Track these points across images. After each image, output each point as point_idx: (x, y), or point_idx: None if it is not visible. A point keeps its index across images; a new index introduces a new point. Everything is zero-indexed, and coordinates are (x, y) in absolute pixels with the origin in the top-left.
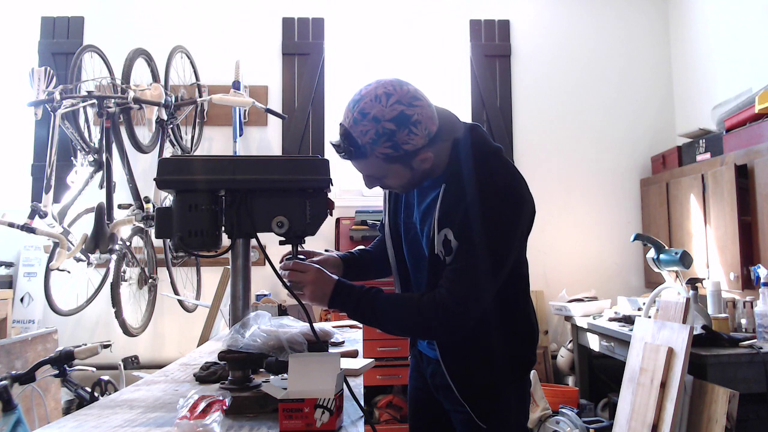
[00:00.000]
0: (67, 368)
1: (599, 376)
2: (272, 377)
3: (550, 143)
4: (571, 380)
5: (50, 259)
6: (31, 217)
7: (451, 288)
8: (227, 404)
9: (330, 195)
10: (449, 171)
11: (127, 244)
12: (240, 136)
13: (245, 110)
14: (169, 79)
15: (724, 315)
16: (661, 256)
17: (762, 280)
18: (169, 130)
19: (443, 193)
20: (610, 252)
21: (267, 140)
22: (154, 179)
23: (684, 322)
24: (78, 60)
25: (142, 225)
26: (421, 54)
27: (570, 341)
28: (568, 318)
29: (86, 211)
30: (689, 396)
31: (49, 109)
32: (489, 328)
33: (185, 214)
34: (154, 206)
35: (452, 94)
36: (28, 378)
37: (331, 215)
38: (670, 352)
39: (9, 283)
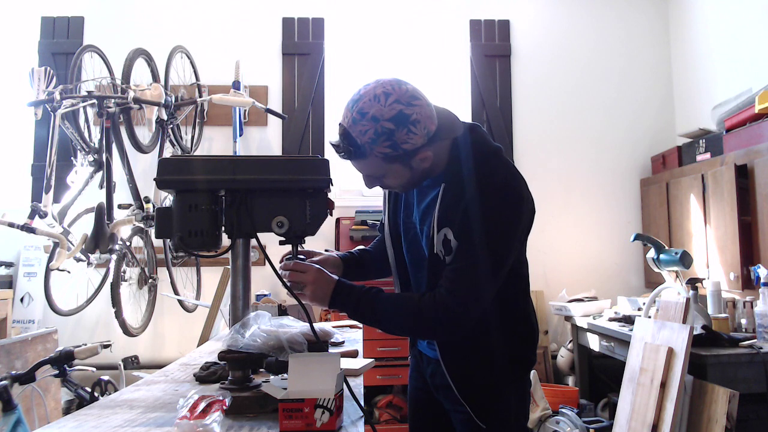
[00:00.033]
0: (67, 368)
1: (599, 376)
2: (272, 377)
3: (550, 143)
4: (571, 380)
5: (50, 259)
6: (31, 217)
7: (451, 288)
8: (227, 404)
9: (330, 195)
10: (449, 170)
11: (127, 244)
12: (240, 136)
13: (245, 110)
14: (169, 79)
15: (724, 315)
16: (661, 256)
17: (762, 280)
18: (169, 130)
19: (443, 192)
20: (610, 252)
21: (267, 140)
22: (154, 179)
23: (684, 322)
24: (78, 60)
25: (142, 225)
26: (421, 54)
27: (570, 341)
28: (568, 318)
29: (86, 211)
30: (689, 396)
31: (49, 109)
32: (489, 328)
33: (185, 214)
34: (154, 206)
35: (452, 94)
36: (28, 378)
37: (331, 215)
38: (670, 352)
39: (9, 283)
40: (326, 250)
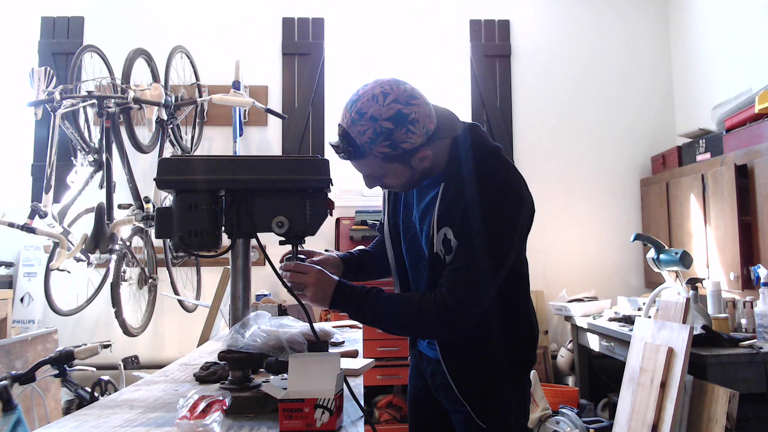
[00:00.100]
0: (67, 368)
1: (599, 376)
2: (272, 377)
3: (550, 143)
4: (571, 380)
5: (50, 259)
6: (31, 217)
7: (451, 287)
8: (227, 404)
9: (330, 195)
10: (448, 170)
11: (127, 244)
12: (240, 136)
13: (245, 110)
14: (169, 79)
15: (724, 315)
16: (661, 256)
17: (762, 280)
18: (169, 130)
19: (442, 191)
20: (610, 252)
21: (267, 140)
22: (154, 179)
23: (684, 322)
24: (78, 60)
25: (142, 225)
26: (421, 54)
27: (570, 341)
28: (568, 318)
29: (86, 211)
30: (689, 396)
31: (49, 109)
32: (489, 328)
33: (185, 214)
34: (154, 206)
35: (452, 94)
36: (28, 378)
37: (331, 215)
38: (670, 352)
39: (9, 283)
40: (326, 250)
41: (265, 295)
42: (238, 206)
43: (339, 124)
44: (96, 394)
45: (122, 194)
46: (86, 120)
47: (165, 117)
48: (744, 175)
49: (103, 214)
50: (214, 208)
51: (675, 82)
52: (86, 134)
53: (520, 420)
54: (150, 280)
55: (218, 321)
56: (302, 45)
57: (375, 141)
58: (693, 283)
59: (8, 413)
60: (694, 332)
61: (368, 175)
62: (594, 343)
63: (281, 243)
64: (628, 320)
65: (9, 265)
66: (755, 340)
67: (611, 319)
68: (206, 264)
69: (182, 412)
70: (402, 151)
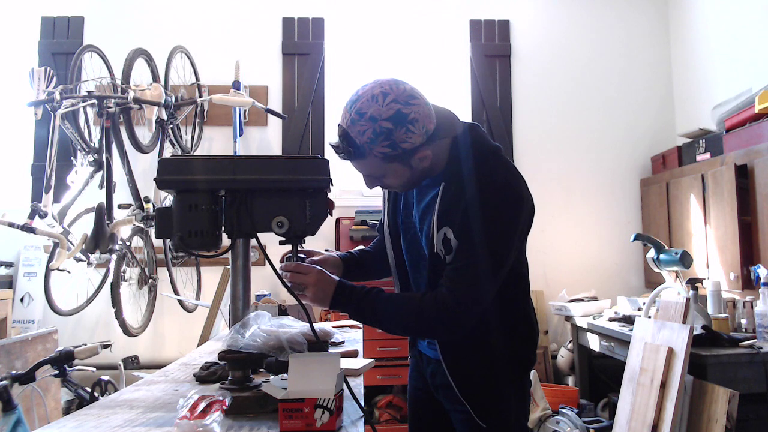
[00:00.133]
0: (67, 368)
1: (599, 376)
2: (272, 377)
3: (550, 143)
4: (571, 380)
5: (50, 259)
6: (31, 217)
7: (452, 287)
8: (227, 404)
9: (330, 195)
10: (448, 170)
11: (127, 244)
12: (240, 136)
13: (245, 110)
14: (169, 79)
15: (724, 315)
16: (661, 256)
17: (762, 280)
18: (169, 130)
19: (442, 191)
20: (610, 252)
21: (267, 140)
22: (154, 179)
23: (684, 322)
24: (78, 60)
25: (142, 225)
26: (421, 54)
27: (570, 341)
28: (568, 318)
29: (86, 211)
30: (689, 396)
31: (49, 109)
32: (489, 328)
33: (185, 214)
34: (154, 206)
35: (452, 94)
36: (28, 378)
37: (331, 215)
38: (670, 352)
39: (9, 283)
40: (326, 250)
41: (265, 295)
42: (238, 206)
43: (339, 125)
44: (96, 394)
45: (122, 194)
46: (86, 120)
47: (165, 117)
48: (744, 175)
49: (103, 214)
50: (214, 208)
51: (675, 82)
52: (86, 134)
53: (520, 420)
54: (150, 280)
55: (218, 321)
56: (302, 45)
57: (375, 141)
58: (693, 283)
59: (8, 413)
60: (694, 332)
61: (368, 175)
62: (594, 343)
63: (281, 243)
64: (628, 320)
65: (9, 265)
66: (755, 340)
67: (611, 319)
68: (206, 264)
69: (182, 412)
70: (402, 151)
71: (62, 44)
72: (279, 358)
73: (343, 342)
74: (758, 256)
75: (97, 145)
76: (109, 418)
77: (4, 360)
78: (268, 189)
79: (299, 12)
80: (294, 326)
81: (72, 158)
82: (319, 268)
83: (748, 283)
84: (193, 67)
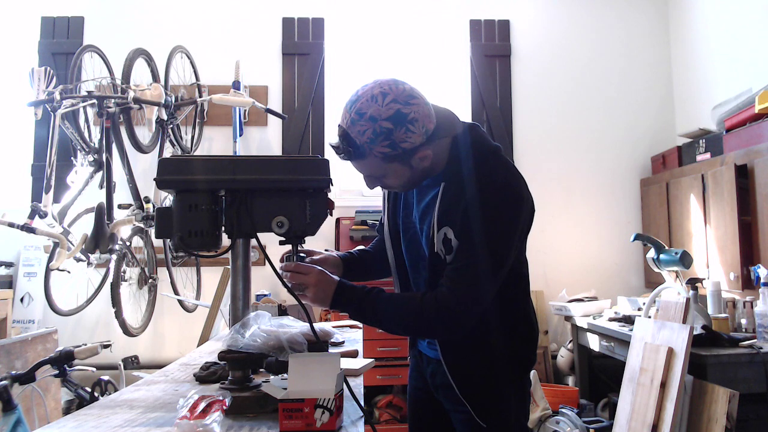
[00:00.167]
0: (67, 368)
1: (599, 376)
2: (272, 377)
3: (550, 143)
4: (571, 380)
5: (50, 259)
6: (31, 217)
7: (452, 287)
8: (227, 404)
9: (330, 195)
10: (448, 170)
11: (127, 244)
12: (240, 136)
13: (245, 110)
14: (169, 79)
15: (724, 315)
16: (661, 256)
17: (762, 280)
18: (169, 130)
19: (442, 191)
20: (610, 252)
21: (267, 140)
22: (154, 179)
23: (684, 322)
24: (78, 60)
25: (142, 225)
26: (421, 54)
27: (570, 341)
28: (568, 318)
29: (86, 211)
30: (689, 396)
31: (49, 109)
32: (489, 328)
33: (185, 214)
34: (154, 206)
35: (452, 94)
36: (28, 378)
37: (331, 215)
38: (670, 352)
39: (9, 283)
40: (326, 250)
41: (265, 295)
42: (238, 206)
43: (339, 125)
44: (96, 394)
45: (122, 194)
46: (86, 120)
47: (165, 117)
48: (744, 175)
49: (103, 214)
50: (214, 208)
51: (675, 82)
52: (86, 134)
53: (520, 419)
54: (150, 280)
55: (218, 321)
56: (302, 45)
57: (375, 141)
58: (693, 283)
59: (8, 413)
60: (694, 332)
61: (368, 175)
62: (594, 343)
63: (281, 243)
64: (628, 320)
65: (9, 265)
66: (755, 340)
67: (611, 319)
68: (206, 264)
69: (182, 412)
70: (402, 151)
71: (62, 44)
72: (279, 358)
73: (343, 342)
74: (758, 256)
75: (97, 145)
76: (109, 418)
77: (4, 360)
78: (268, 189)
79: (299, 12)
80: (294, 326)
81: (72, 158)
82: (320, 268)
83: (748, 283)
84: (193, 67)
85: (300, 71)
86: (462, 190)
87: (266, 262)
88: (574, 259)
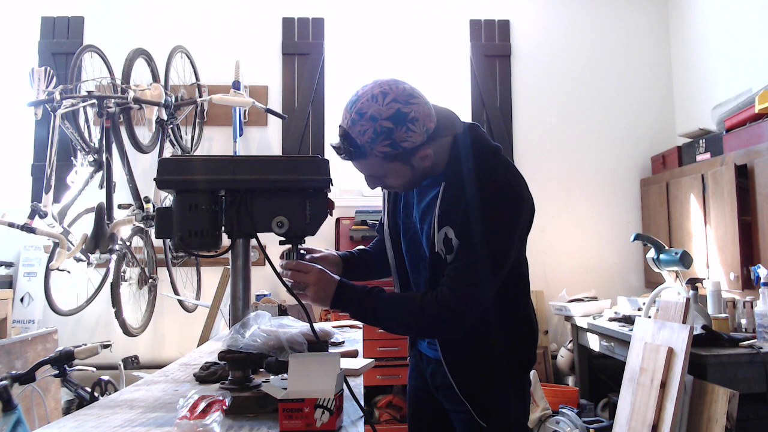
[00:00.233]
0: (67, 368)
1: (599, 376)
2: (272, 377)
3: (550, 143)
4: (571, 380)
5: (50, 259)
6: (31, 217)
7: (452, 286)
8: (227, 404)
9: (330, 195)
10: (449, 170)
11: (127, 244)
12: (240, 136)
13: (245, 110)
14: (169, 79)
15: (724, 315)
16: (661, 256)
17: (762, 280)
18: (169, 130)
19: (443, 191)
20: (610, 252)
21: (267, 140)
22: (154, 179)
23: (684, 322)
24: (78, 60)
25: (142, 225)
26: (421, 54)
27: (570, 341)
28: (568, 318)
29: (86, 211)
30: (689, 396)
31: (49, 109)
32: (489, 328)
33: (185, 214)
34: (154, 206)
35: (452, 94)
36: (28, 378)
37: (331, 215)
38: (670, 352)
39: (9, 283)
40: (326, 250)
41: (265, 295)
42: (238, 206)
43: (339, 125)
44: (96, 394)
45: (122, 194)
46: (86, 120)
47: (165, 117)
48: (744, 175)
49: (103, 214)
50: (214, 208)
51: (675, 82)
52: (86, 134)
53: (520, 419)
54: (150, 280)
55: (218, 321)
56: (302, 45)
57: (375, 141)
58: (693, 283)
59: (8, 413)
60: (694, 332)
61: (369, 175)
62: (594, 343)
63: (281, 243)
64: (628, 320)
65: (9, 265)
66: (755, 340)
67: (611, 319)
68: (206, 264)
69: (182, 412)
70: (402, 150)
71: (62, 44)
72: (279, 358)
73: (343, 342)
74: (758, 256)
75: (97, 145)
76: (109, 418)
77: (4, 360)
78: (268, 189)
79: (299, 12)
80: (294, 326)
81: (72, 158)
82: (320, 267)
83: (748, 283)
84: (193, 67)
85: (300, 71)
86: (462, 190)
87: (266, 262)
88: (574, 259)
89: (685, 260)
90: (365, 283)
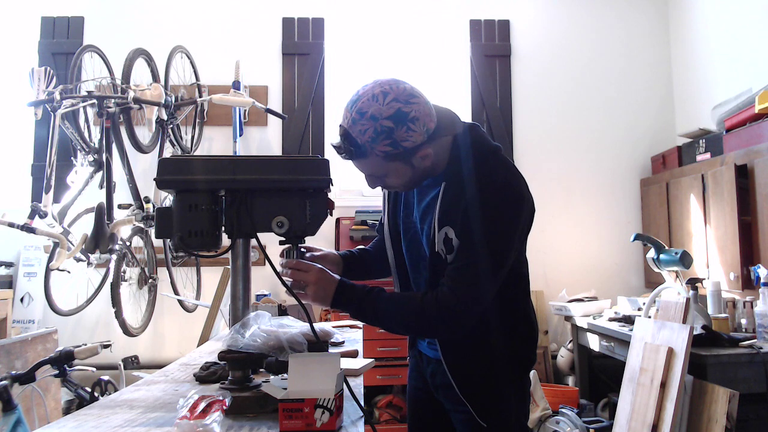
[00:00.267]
0: (67, 368)
1: (599, 376)
2: (272, 377)
3: (550, 143)
4: (571, 380)
5: (50, 259)
6: (31, 217)
7: (453, 286)
8: (227, 404)
9: (330, 195)
10: (449, 170)
11: (127, 244)
12: (240, 136)
13: (245, 110)
14: (169, 79)
15: (724, 315)
16: (661, 256)
17: (762, 280)
18: (169, 130)
19: (443, 191)
20: (610, 252)
21: (267, 140)
22: (154, 179)
23: (684, 322)
24: (78, 60)
25: (142, 225)
26: (421, 54)
27: (570, 341)
28: (568, 318)
29: (86, 211)
30: (689, 396)
31: (49, 109)
32: (489, 328)
33: (185, 214)
34: (154, 206)
35: (452, 94)
36: (28, 378)
37: (331, 215)
38: (670, 352)
39: (9, 283)
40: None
41: (265, 295)
42: (238, 206)
43: (340, 125)
44: (96, 394)
45: (122, 194)
46: (86, 120)
47: (165, 117)
48: (744, 175)
49: (103, 214)
50: (214, 208)
51: (675, 82)
52: (86, 134)
53: (520, 419)
54: (150, 280)
55: (218, 321)
56: (302, 45)
57: (376, 140)
58: (693, 283)
59: (8, 413)
60: (694, 332)
61: (370, 174)
62: (594, 343)
63: (281, 243)
64: (628, 320)
65: (9, 265)
66: (755, 340)
67: (611, 319)
68: (206, 264)
69: (182, 412)
70: (403, 150)
71: (62, 44)
72: (279, 358)
73: (343, 342)
74: (758, 256)
75: (97, 145)
76: (109, 418)
77: (4, 360)
78: (268, 189)
79: (299, 12)
80: (294, 326)
81: (72, 158)
82: (320, 266)
83: (748, 283)
84: (193, 67)
85: (300, 71)
86: (463, 190)
87: (266, 262)
88: (574, 259)
89: (685, 260)
90: (365, 282)
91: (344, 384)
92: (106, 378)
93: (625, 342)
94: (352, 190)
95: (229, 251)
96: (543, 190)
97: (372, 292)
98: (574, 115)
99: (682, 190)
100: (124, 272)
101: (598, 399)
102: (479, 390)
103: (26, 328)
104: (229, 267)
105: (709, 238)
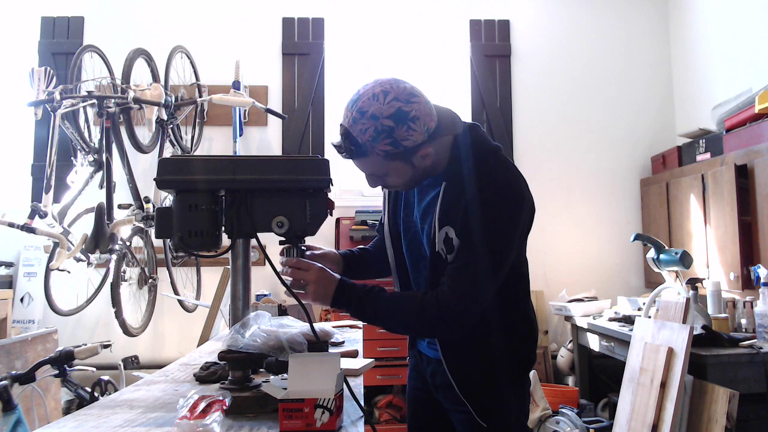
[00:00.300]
0: (67, 368)
1: (599, 376)
2: (272, 377)
3: (550, 143)
4: (571, 380)
5: (50, 259)
6: (31, 217)
7: (453, 285)
8: (227, 404)
9: (330, 195)
10: (450, 169)
11: (127, 244)
12: (240, 136)
13: (245, 110)
14: (169, 79)
15: (724, 315)
16: (661, 256)
17: (762, 280)
18: (169, 130)
19: (444, 191)
20: (610, 252)
21: (267, 140)
22: (154, 179)
23: (684, 322)
24: (78, 60)
25: (142, 225)
26: (421, 54)
27: (570, 341)
28: (568, 318)
29: (86, 211)
30: (689, 396)
31: (49, 109)
32: (489, 328)
33: (185, 214)
34: (154, 206)
35: (452, 94)
36: (28, 378)
37: (331, 215)
38: (670, 352)
39: (9, 283)
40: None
41: (265, 295)
42: (238, 206)
43: (341, 124)
44: (96, 394)
45: (122, 194)
46: (86, 120)
47: (165, 117)
48: (744, 175)
49: (103, 214)
50: (214, 208)
51: (675, 82)
52: (86, 134)
53: (520, 419)
54: (150, 280)
55: (218, 321)
56: (302, 45)
57: (376, 139)
58: (693, 283)
59: (8, 413)
60: (694, 332)
61: (370, 174)
62: (594, 343)
63: (281, 243)
64: (628, 320)
65: (9, 265)
66: (755, 340)
67: (611, 319)
68: (206, 264)
69: (182, 412)
70: (403, 149)
71: (62, 44)
72: (279, 358)
73: (343, 342)
74: (758, 256)
75: (97, 145)
76: (109, 418)
77: (4, 360)
78: (268, 189)
79: (299, 12)
80: (294, 326)
81: (72, 158)
82: (320, 265)
83: (748, 283)
84: (193, 67)
85: (300, 71)
86: (463, 190)
87: (266, 262)
88: (574, 259)
89: (685, 260)
90: (365, 282)
91: (344, 384)
92: (106, 378)
93: (625, 342)
94: (352, 190)
95: (229, 251)
96: (543, 190)
97: (372, 291)
98: (574, 115)
99: (682, 190)
100: (124, 272)
101: (598, 399)
102: (479, 390)
103: (26, 328)
104: (229, 267)
105: (709, 238)
